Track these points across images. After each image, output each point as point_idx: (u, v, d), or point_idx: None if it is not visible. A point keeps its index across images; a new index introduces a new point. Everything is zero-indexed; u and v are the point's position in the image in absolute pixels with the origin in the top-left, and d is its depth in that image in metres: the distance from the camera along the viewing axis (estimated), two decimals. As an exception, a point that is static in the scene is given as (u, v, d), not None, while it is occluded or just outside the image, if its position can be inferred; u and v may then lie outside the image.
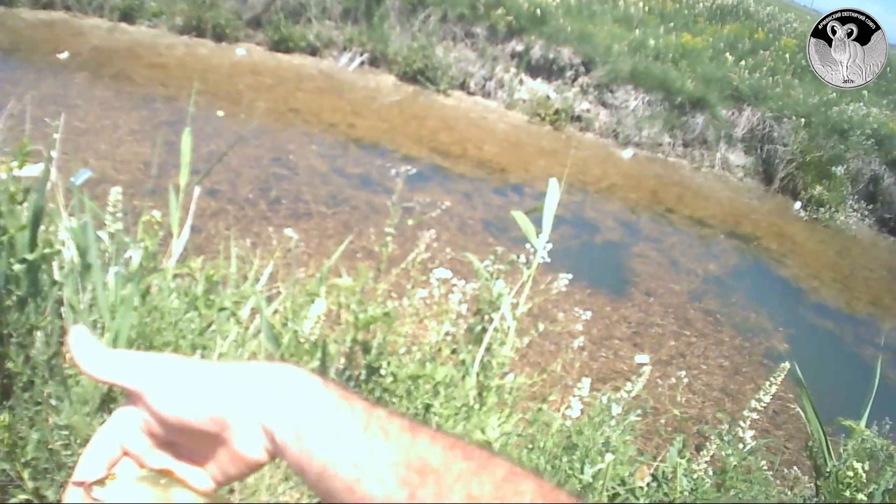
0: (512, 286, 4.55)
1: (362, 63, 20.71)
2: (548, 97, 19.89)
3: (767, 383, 3.72)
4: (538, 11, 20.90)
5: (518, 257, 4.62)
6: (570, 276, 4.64)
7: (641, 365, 8.95)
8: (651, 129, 19.25)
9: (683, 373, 9.17)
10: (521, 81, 20.43)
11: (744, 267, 14.19)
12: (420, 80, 19.90)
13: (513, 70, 20.51)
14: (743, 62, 21.60)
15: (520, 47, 20.64)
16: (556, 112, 19.32)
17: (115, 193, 3.55)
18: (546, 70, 20.51)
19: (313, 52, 20.92)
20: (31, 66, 16.56)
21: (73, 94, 15.01)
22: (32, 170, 3.57)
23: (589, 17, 22.73)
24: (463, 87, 20.40)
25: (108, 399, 3.31)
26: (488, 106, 19.89)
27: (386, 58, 20.58)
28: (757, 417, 3.79)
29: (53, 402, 3.16)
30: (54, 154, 4.09)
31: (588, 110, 19.85)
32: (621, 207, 15.19)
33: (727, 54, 22.05)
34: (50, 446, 3.03)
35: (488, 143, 16.98)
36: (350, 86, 19.22)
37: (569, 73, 20.33)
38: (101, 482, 0.88)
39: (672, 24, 24.08)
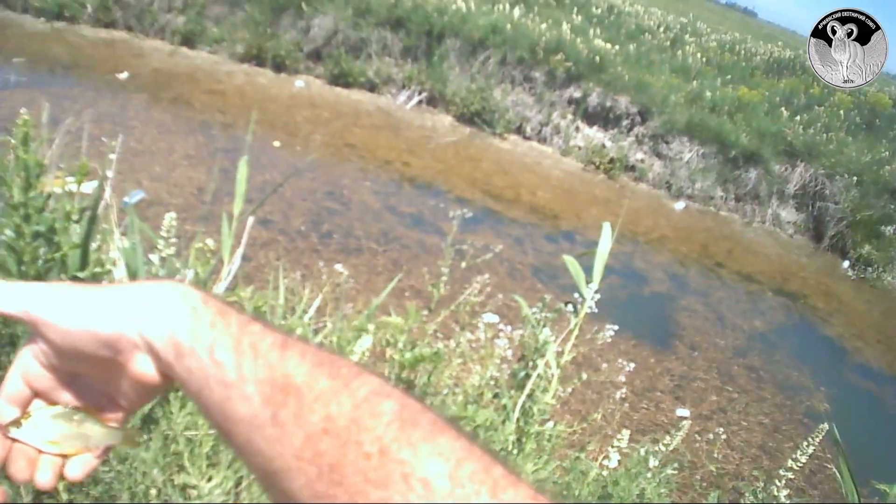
0: (558, 334, 4.53)
1: (420, 102, 20.74)
2: (603, 145, 19.87)
3: (805, 443, 3.75)
4: (597, 59, 20.94)
5: (566, 305, 4.60)
6: (615, 327, 4.62)
7: (682, 418, 8.98)
8: (704, 181, 19.17)
9: (721, 429, 9.06)
10: (577, 128, 20.39)
11: (789, 324, 14.03)
12: (477, 121, 19.92)
13: (569, 116, 20.48)
14: (798, 117, 21.44)
15: (577, 94, 20.61)
16: (611, 161, 19.29)
17: (170, 219, 3.52)
18: (602, 118, 20.48)
19: (372, 88, 20.97)
20: (90, 83, 16.82)
21: (130, 114, 15.22)
22: (86, 187, 3.63)
23: (647, 67, 22.66)
24: (519, 131, 20.40)
25: (150, 419, 3.31)
26: (543, 151, 19.89)
27: (444, 98, 20.61)
28: (793, 477, 3.82)
29: None
30: (110, 173, 4.17)
31: (642, 160, 19.81)
32: (671, 259, 15.16)
33: (782, 109, 21.93)
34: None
35: (542, 188, 16.99)
36: (407, 124, 19.27)
37: (625, 122, 20.29)
38: (16, 422, 0.93)
39: (729, 77, 23.94)
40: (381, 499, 0.68)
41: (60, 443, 0.96)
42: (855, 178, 18.63)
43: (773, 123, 20.45)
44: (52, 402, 0.97)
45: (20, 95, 13.62)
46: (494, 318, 4.69)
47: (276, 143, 15.33)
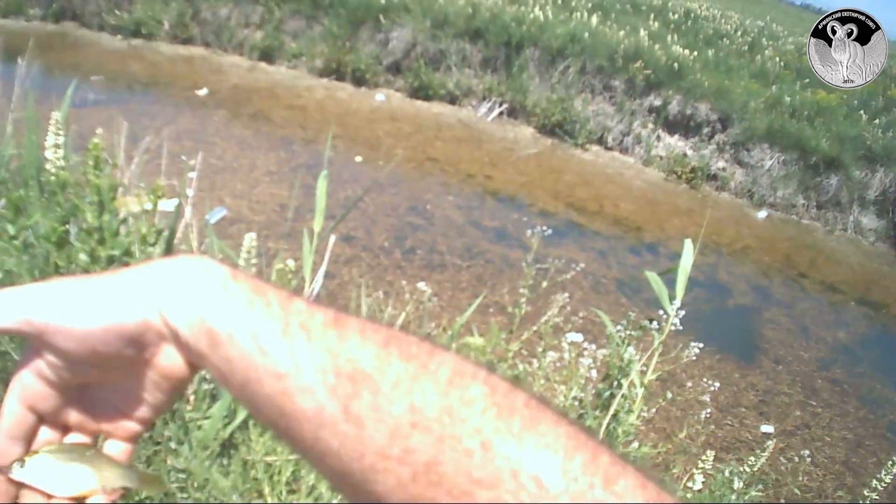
0: (642, 352, 4.62)
1: (501, 113, 20.77)
2: (684, 154, 19.81)
3: (890, 462, 3.80)
4: (676, 65, 20.86)
5: (650, 322, 4.65)
6: (700, 345, 4.64)
7: (766, 434, 9.00)
8: (785, 189, 19.00)
9: (807, 451, 9.00)
10: (658, 137, 20.35)
11: (872, 335, 13.89)
12: (558, 132, 19.90)
13: (650, 125, 20.43)
14: (876, 120, 21.03)
15: (657, 102, 20.57)
16: (693, 170, 19.21)
17: (250, 239, 3.59)
18: (683, 126, 20.42)
19: (452, 100, 21.02)
20: (169, 100, 17.17)
21: (210, 130, 15.50)
22: (167, 205, 3.68)
23: (726, 72, 22.44)
24: (600, 141, 20.35)
25: (229, 444, 3.41)
26: (625, 161, 19.83)
27: (524, 109, 20.61)
28: (877, 497, 3.88)
29: (173, 444, 3.19)
30: (190, 192, 4.25)
31: (724, 169, 19.68)
32: (754, 270, 15.07)
33: (861, 112, 21.55)
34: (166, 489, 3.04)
35: (624, 200, 16.99)
36: (488, 136, 19.32)
37: (705, 130, 20.21)
38: (20, 461, 0.83)
39: (807, 80, 23.66)
40: (489, 499, 0.64)
41: (71, 485, 0.85)
42: (935, 182, 18.29)
43: (852, 127, 20.15)
44: (60, 425, 0.88)
45: (98, 114, 13.43)
46: (578, 337, 4.74)
47: (358, 158, 15.50)
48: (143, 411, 0.88)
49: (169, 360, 0.83)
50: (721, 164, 19.81)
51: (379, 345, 0.73)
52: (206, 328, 0.77)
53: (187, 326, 0.78)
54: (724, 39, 26.80)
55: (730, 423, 9.60)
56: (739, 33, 28.54)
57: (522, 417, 0.67)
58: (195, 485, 3.15)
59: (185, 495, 3.11)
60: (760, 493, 4.27)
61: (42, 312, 0.78)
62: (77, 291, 0.79)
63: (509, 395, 0.70)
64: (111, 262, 3.02)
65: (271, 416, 0.75)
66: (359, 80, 21.05)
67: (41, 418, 0.86)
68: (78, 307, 0.78)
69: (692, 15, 29.66)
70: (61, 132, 3.42)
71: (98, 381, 0.85)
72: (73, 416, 0.87)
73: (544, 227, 5.34)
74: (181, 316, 0.78)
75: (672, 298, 4.54)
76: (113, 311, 0.78)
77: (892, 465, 3.83)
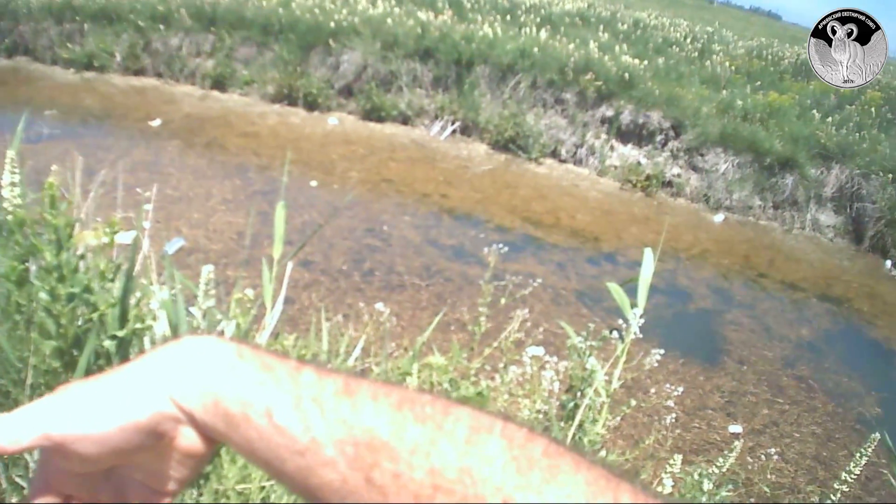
0: (604, 361, 4.56)
1: (454, 132, 20.86)
2: (638, 163, 19.91)
3: (857, 455, 3.78)
4: (626, 75, 20.95)
5: (611, 332, 4.62)
6: (661, 351, 4.61)
7: (735, 435, 9.01)
8: (741, 191, 19.13)
9: (777, 449, 9.06)
10: (611, 147, 20.44)
11: (836, 330, 13.97)
12: (511, 148, 19.98)
13: (603, 136, 20.53)
14: (829, 118, 21.31)
15: (609, 112, 20.67)
16: (648, 178, 19.34)
17: (207, 272, 3.57)
18: (636, 135, 20.52)
19: (405, 120, 21.11)
20: (123, 132, 17.20)
21: (165, 161, 15.51)
22: (124, 237, 3.68)
23: (677, 80, 22.65)
24: (554, 154, 20.43)
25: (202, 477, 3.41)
26: (580, 173, 19.90)
27: (477, 126, 20.70)
28: (847, 490, 3.85)
29: None
30: (146, 224, 4.22)
31: (678, 175, 19.80)
32: (714, 274, 15.13)
33: (814, 111, 21.83)
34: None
35: (581, 211, 17.02)
36: (442, 155, 19.37)
37: (658, 138, 20.31)
38: None
39: (758, 83, 23.88)
40: None
41: None
42: (891, 175, 18.42)
43: (805, 127, 20.37)
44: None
45: (54, 148, 13.84)
46: (540, 351, 4.72)
47: (314, 183, 15.49)
48: (169, 485, 0.88)
49: (189, 440, 0.83)
50: (675, 170, 19.93)
51: (393, 408, 0.74)
52: (222, 411, 0.78)
53: (202, 409, 0.79)
54: (674, 47, 27.14)
55: (697, 425, 9.59)
56: (689, 40, 28.87)
57: (541, 469, 0.67)
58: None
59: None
60: (731, 493, 4.25)
61: (58, 425, 0.77)
62: (88, 397, 0.79)
63: (527, 446, 0.70)
64: (71, 299, 2.95)
65: (299, 490, 0.76)
66: (311, 105, 21.14)
67: (68, 498, 0.85)
68: (91, 413, 0.78)
69: (641, 24, 29.98)
70: (17, 170, 3.40)
71: (123, 463, 0.85)
72: (102, 495, 0.87)
73: (501, 244, 5.33)
74: (195, 400, 0.79)
75: (634, 307, 4.52)
76: (126, 409, 0.78)
77: (860, 458, 3.80)
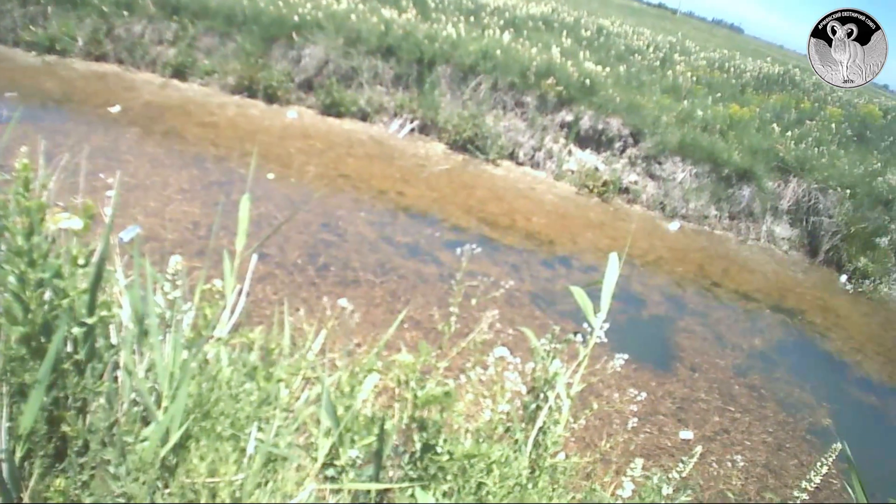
0: (566, 364, 4.54)
1: (412, 130, 20.82)
2: (596, 168, 19.94)
3: (818, 464, 3.75)
4: (587, 81, 20.98)
5: (575, 335, 4.57)
6: (625, 356, 4.54)
7: (686, 441, 9.02)
8: (698, 201, 19.23)
9: (728, 456, 9.10)
10: (569, 152, 20.46)
11: (788, 341, 14.03)
12: (469, 148, 20.00)
13: (562, 140, 20.55)
14: (789, 132, 21.50)
15: (569, 117, 20.69)
16: (605, 184, 19.38)
17: (175, 262, 3.48)
18: (595, 141, 20.56)
19: (364, 117, 21.07)
20: (82, 118, 17.00)
21: (123, 148, 15.33)
22: (76, 223, 3.60)
23: (637, 88, 22.75)
24: (512, 156, 20.46)
25: (165, 468, 3.34)
26: (537, 176, 19.95)
27: (436, 125, 20.69)
28: (807, 498, 3.83)
29: (111, 468, 3.02)
30: (109, 211, 4.16)
31: (636, 182, 19.86)
32: (668, 281, 15.15)
33: (773, 125, 21.99)
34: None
35: (537, 214, 17.00)
36: (400, 153, 19.34)
37: (617, 145, 20.37)
38: None
39: (719, 95, 24.03)
40: None
41: None
42: (848, 190, 18.67)
43: (764, 140, 20.54)
44: None
45: (13, 131, 13.42)
46: (505, 352, 4.68)
47: (270, 176, 15.42)
48: None
49: None
50: (633, 177, 20.00)
51: None
52: None
53: None
54: (637, 55, 27.25)
55: (649, 430, 9.58)
56: (651, 49, 29.04)
57: None
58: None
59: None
60: (689, 499, 4.22)
61: None
62: None
63: None
64: (41, 284, 2.93)
65: None
66: (271, 98, 21.05)
67: None
68: None
69: (604, 31, 30.09)
70: (-24, 150, 3.33)
71: None
72: None
73: (473, 246, 5.29)
74: None
75: (597, 312, 4.49)
76: None
77: (821, 467, 3.78)
